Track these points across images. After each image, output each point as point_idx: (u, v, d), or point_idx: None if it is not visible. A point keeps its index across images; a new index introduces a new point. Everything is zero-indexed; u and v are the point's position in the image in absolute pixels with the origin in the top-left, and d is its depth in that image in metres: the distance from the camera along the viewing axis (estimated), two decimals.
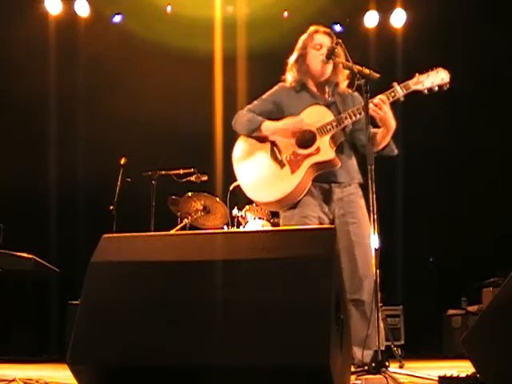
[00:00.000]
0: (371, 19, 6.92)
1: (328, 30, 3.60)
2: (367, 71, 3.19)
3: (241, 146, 3.64)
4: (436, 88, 3.29)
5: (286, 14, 6.92)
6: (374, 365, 2.71)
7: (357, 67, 3.24)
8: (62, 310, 5.79)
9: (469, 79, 6.29)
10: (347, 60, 3.35)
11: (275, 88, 3.68)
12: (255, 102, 3.67)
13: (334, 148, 3.44)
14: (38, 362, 5.01)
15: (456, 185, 6.71)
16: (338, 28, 6.83)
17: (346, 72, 3.51)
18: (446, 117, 6.59)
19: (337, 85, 3.58)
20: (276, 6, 6.84)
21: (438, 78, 3.28)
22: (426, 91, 3.29)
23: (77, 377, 2.17)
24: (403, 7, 6.82)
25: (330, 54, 3.40)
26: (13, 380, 2.70)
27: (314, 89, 3.59)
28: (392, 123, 3.37)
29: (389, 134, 3.41)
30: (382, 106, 3.28)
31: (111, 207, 5.28)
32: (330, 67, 3.52)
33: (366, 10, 6.89)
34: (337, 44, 3.41)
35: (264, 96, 3.67)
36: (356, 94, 3.54)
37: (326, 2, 6.57)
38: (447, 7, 6.48)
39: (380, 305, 3.44)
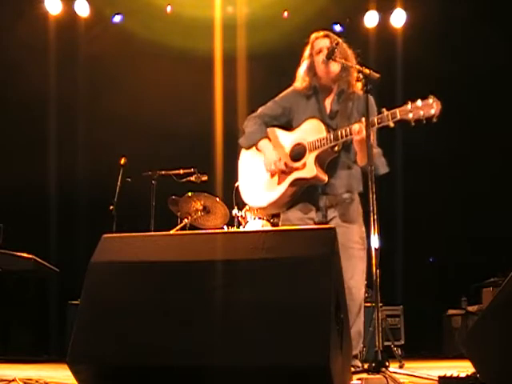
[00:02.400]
0: (371, 19, 6.92)
1: (326, 32, 3.61)
2: (367, 71, 3.19)
3: (245, 153, 3.81)
4: (424, 120, 3.20)
5: (286, 14, 6.92)
6: (373, 365, 2.71)
7: (357, 67, 3.24)
8: (61, 310, 5.79)
9: (468, 79, 6.30)
10: (353, 60, 3.36)
11: (288, 91, 3.72)
12: (268, 103, 3.74)
13: (323, 165, 3.47)
14: (38, 362, 5.00)
15: (456, 185, 6.71)
16: (338, 28, 6.82)
17: (356, 75, 3.47)
18: (446, 117, 6.58)
19: (347, 89, 3.55)
20: (276, 6, 6.84)
21: (428, 109, 3.18)
22: (412, 122, 3.20)
23: (77, 377, 2.17)
24: (403, 7, 6.81)
25: (330, 54, 3.40)
26: (13, 380, 2.70)
27: (322, 96, 3.60)
28: (364, 149, 3.30)
29: (363, 159, 3.35)
30: (357, 134, 3.27)
31: (111, 207, 5.28)
32: (335, 67, 3.50)
33: (366, 10, 6.89)
34: (337, 44, 3.41)
35: (276, 98, 3.74)
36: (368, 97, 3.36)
37: (326, 2, 6.57)
38: (447, 7, 6.48)
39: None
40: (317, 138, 3.44)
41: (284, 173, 3.55)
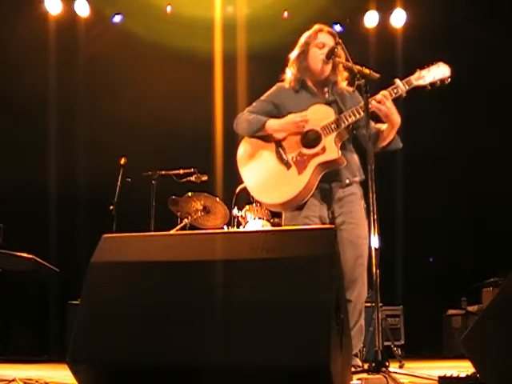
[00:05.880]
0: (371, 19, 6.92)
1: (332, 31, 3.59)
2: (367, 71, 3.19)
3: (245, 148, 3.63)
4: (438, 82, 3.29)
5: (286, 14, 6.93)
6: (373, 365, 2.71)
7: (357, 67, 3.24)
8: (62, 310, 5.79)
9: (469, 79, 6.29)
10: (347, 60, 3.36)
11: (273, 88, 3.66)
12: (254, 103, 3.65)
13: (339, 147, 3.43)
14: (38, 362, 5.01)
15: (456, 184, 6.71)
16: (338, 28, 6.83)
17: (346, 74, 3.51)
18: (446, 116, 6.59)
19: (335, 83, 3.57)
20: (276, 6, 6.84)
21: (439, 72, 3.28)
22: (428, 86, 3.29)
23: (77, 377, 2.17)
24: (403, 7, 6.82)
25: (331, 54, 3.40)
26: (13, 380, 2.70)
27: (313, 87, 3.57)
28: (396, 118, 3.37)
29: (394, 129, 3.41)
30: (385, 102, 3.28)
31: (111, 207, 5.28)
32: (329, 67, 3.51)
33: (366, 10, 6.89)
34: (337, 44, 3.41)
35: (262, 97, 3.66)
36: (356, 93, 3.52)
37: (326, 2, 6.57)
38: (447, 7, 6.49)
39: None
40: (330, 121, 3.40)
41: (301, 162, 3.43)
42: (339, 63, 3.44)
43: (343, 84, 3.56)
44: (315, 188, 3.43)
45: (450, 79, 3.28)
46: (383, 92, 3.30)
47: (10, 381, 2.70)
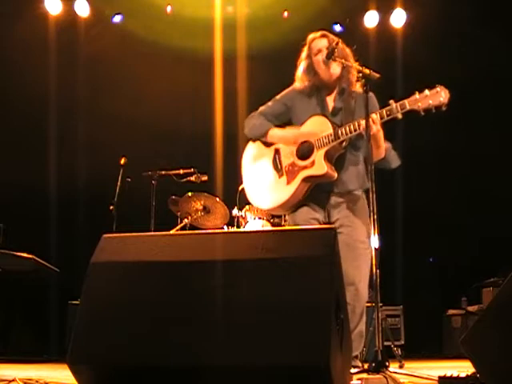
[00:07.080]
0: (371, 19, 6.92)
1: (323, 32, 3.59)
2: (367, 71, 3.19)
3: (249, 151, 3.76)
4: (433, 109, 3.22)
5: (286, 14, 6.92)
6: (373, 365, 2.71)
7: (357, 67, 3.25)
8: (61, 310, 5.79)
9: (468, 79, 6.29)
10: (352, 59, 3.37)
11: (288, 90, 3.69)
12: (269, 103, 3.71)
13: (331, 161, 3.45)
14: (37, 362, 5.01)
15: (456, 184, 6.71)
16: (338, 28, 6.83)
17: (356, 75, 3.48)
18: (445, 118, 6.57)
19: (346, 89, 3.54)
20: (276, 6, 6.84)
21: (436, 98, 3.20)
22: (422, 112, 3.22)
23: (77, 377, 2.17)
24: (403, 7, 6.81)
25: (330, 54, 3.39)
26: (13, 380, 2.70)
27: (324, 94, 3.59)
28: (380, 144, 3.37)
29: (378, 154, 3.40)
30: (371, 127, 3.23)
31: (111, 207, 5.28)
32: (336, 67, 3.49)
33: (366, 10, 6.89)
34: (337, 44, 3.40)
35: (278, 97, 3.70)
36: (372, 99, 3.43)
37: (326, 2, 6.56)
38: (447, 7, 6.48)
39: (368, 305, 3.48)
40: (324, 135, 3.41)
41: (292, 172, 3.51)
42: (346, 65, 3.42)
43: (357, 85, 3.50)
44: (308, 195, 3.49)
45: (445, 106, 3.19)
46: (373, 116, 3.25)
47: (10, 381, 2.70)
